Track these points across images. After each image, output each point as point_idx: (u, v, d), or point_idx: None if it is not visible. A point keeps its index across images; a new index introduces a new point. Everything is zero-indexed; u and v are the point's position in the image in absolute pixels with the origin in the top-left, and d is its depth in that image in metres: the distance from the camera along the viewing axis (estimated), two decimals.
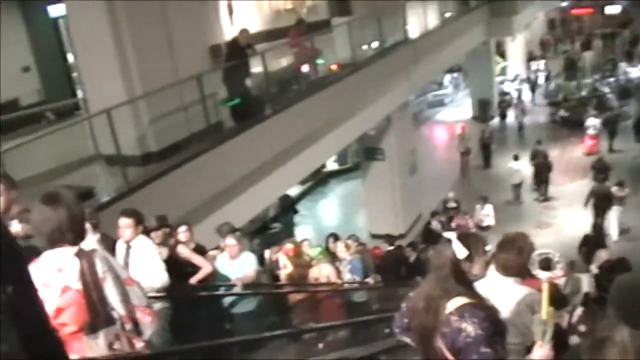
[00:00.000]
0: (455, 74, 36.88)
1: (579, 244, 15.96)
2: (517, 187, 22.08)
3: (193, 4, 11.21)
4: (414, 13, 20.30)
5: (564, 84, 33.14)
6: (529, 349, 3.68)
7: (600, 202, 18.39)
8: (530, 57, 37.75)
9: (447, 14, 24.13)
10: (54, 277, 3.30)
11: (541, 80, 34.99)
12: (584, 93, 31.14)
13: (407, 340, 3.63)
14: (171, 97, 10.20)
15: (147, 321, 3.60)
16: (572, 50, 40.09)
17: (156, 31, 10.16)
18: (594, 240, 15.80)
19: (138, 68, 9.85)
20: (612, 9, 43.28)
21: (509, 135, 28.62)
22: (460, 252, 3.32)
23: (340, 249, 10.95)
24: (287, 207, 21.21)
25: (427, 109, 35.34)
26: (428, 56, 19.85)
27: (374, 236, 15.29)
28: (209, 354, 5.77)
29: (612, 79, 32.60)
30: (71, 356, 3.21)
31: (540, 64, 36.70)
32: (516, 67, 36.26)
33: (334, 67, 16.22)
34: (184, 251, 7.43)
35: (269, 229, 20.96)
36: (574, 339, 4.84)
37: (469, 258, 3.36)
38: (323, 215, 24.09)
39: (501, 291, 4.15)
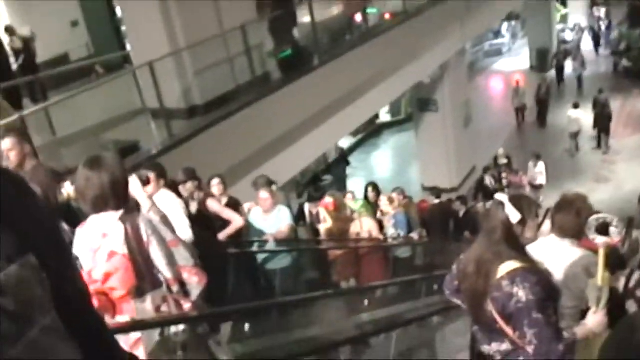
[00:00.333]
0: (513, 22, 35.74)
1: (639, 198, 15.45)
2: (575, 136, 21.42)
3: None
4: None
5: (627, 33, 31.72)
6: (584, 313, 3.59)
7: None
8: (593, 4, 36.12)
9: None
10: (100, 242, 3.37)
11: (603, 28, 33.44)
12: None
13: (458, 302, 3.61)
14: (216, 49, 10.03)
15: (194, 281, 3.62)
16: None
17: None
18: None
19: (181, 20, 9.67)
20: None
21: (566, 89, 27.05)
22: (514, 215, 3.21)
23: (383, 202, 10.48)
24: (339, 159, 21.00)
25: (483, 58, 34.46)
26: (483, 2, 19.14)
27: (426, 189, 14.96)
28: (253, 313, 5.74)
29: None
30: (121, 317, 3.38)
31: (602, 11, 35.15)
32: (578, 14, 34.81)
33: (387, 16, 15.80)
34: (214, 205, 7.09)
35: (321, 181, 20.87)
36: (630, 304, 4.55)
37: (522, 222, 3.24)
38: (375, 167, 23.77)
39: (557, 253, 4.03)
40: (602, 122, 21.12)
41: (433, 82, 18.60)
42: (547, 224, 4.17)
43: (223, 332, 5.43)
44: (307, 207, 10.94)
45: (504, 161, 18.22)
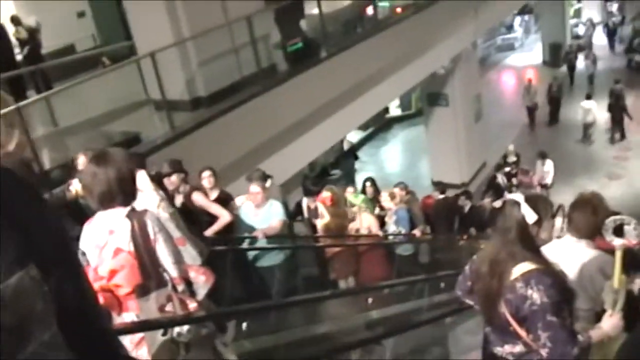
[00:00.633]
0: (526, 17, 35.49)
1: None
2: (588, 127, 21.38)
3: None
4: None
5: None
6: (598, 315, 3.62)
7: None
8: None
9: None
10: (107, 238, 3.37)
11: (616, 23, 33.05)
12: None
13: (471, 303, 3.59)
14: (221, 39, 9.87)
15: (201, 280, 3.62)
16: None
17: None
18: None
19: (185, 9, 9.48)
20: None
21: (578, 86, 26.40)
22: (530, 216, 3.16)
23: (384, 198, 10.11)
24: (348, 153, 20.82)
25: (495, 53, 34.25)
26: None
27: (436, 184, 14.77)
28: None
29: None
30: (127, 314, 3.40)
31: (615, 6, 34.77)
32: (591, 9, 34.45)
33: (398, 9, 15.57)
34: (200, 199, 6.83)
35: (329, 175, 20.74)
36: None
37: (538, 223, 3.19)
38: (385, 161, 23.57)
39: (572, 254, 4.03)
40: (617, 112, 21.04)
41: (443, 76, 18.34)
42: (558, 221, 3.92)
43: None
44: (304, 201, 10.40)
45: (513, 159, 17.95)
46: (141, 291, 3.37)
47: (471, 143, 19.42)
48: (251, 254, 7.60)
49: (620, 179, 17.69)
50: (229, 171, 8.86)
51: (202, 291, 3.62)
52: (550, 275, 3.09)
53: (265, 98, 10.12)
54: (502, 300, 3.12)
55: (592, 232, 4.06)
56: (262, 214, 7.46)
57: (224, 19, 9.84)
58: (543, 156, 17.53)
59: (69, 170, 6.42)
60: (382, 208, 10.35)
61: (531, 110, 23.51)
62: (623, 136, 21.27)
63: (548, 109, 23.57)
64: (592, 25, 32.06)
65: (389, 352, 6.01)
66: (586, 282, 3.98)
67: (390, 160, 23.71)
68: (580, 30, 32.51)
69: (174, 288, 3.48)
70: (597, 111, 21.41)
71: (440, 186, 13.49)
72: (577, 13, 34.83)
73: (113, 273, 3.32)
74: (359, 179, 19.36)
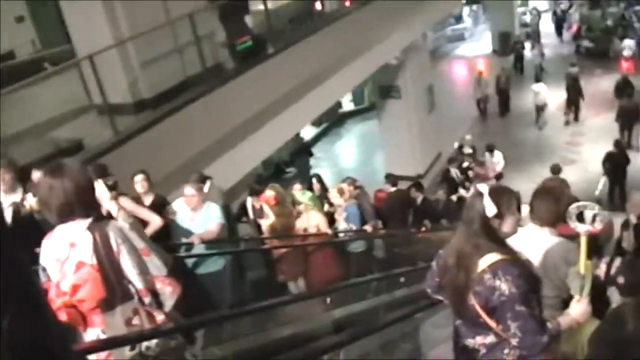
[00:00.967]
0: (474, 7, 35.80)
1: (602, 159, 15.88)
2: (539, 109, 21.93)
3: None
4: None
5: (587, 14, 31.78)
6: (565, 302, 3.73)
7: (628, 118, 18.58)
8: None
9: None
10: (68, 252, 3.24)
11: (564, 10, 33.40)
12: (609, 22, 29.90)
13: (441, 298, 3.58)
14: (163, 39, 9.58)
15: (167, 291, 3.46)
16: None
17: None
18: (617, 157, 15.72)
19: (124, 8, 9.13)
20: None
21: (527, 76, 26.56)
22: (490, 209, 3.16)
23: (333, 194, 9.71)
24: (302, 150, 20.62)
25: (445, 43, 34.45)
26: None
27: (388, 176, 14.59)
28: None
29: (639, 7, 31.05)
30: (91, 330, 3.27)
31: None
32: None
33: (347, 3, 15.44)
34: (127, 204, 6.37)
35: (284, 174, 20.57)
36: (612, 291, 4.71)
37: (499, 216, 3.18)
38: (340, 157, 23.49)
39: (536, 242, 4.12)
40: (573, 94, 21.56)
41: (395, 69, 18.34)
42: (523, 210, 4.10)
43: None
44: (249, 201, 10.04)
45: (469, 150, 17.93)
46: (106, 305, 3.25)
47: (425, 134, 19.42)
48: (190, 261, 7.23)
49: (574, 164, 17.79)
50: (177, 175, 8.60)
51: (169, 302, 3.46)
52: (517, 265, 3.11)
53: (212, 97, 9.84)
54: (471, 293, 3.12)
55: (554, 220, 4.18)
56: (199, 218, 7.17)
57: (165, 18, 9.56)
58: (491, 149, 17.66)
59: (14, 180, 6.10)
60: (331, 205, 10.02)
61: (482, 103, 23.57)
62: (577, 119, 21.72)
63: (498, 101, 23.68)
64: (538, 13, 32.38)
65: (357, 349, 5.84)
66: (551, 270, 4.05)
67: (345, 155, 23.63)
68: (528, 18, 32.83)
69: (141, 301, 3.35)
70: (548, 94, 21.87)
71: (391, 179, 13.19)
72: (525, 2, 35.16)
73: (76, 288, 3.18)
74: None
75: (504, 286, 3.01)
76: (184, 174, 8.62)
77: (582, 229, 3.47)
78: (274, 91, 11.13)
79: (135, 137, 8.61)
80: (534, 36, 30.29)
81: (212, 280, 7.18)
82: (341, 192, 9.67)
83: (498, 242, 3.18)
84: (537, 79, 22.74)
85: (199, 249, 7.08)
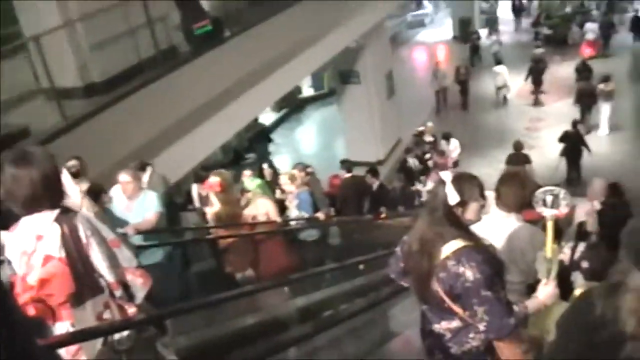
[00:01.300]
0: None
1: (558, 138, 16.26)
2: (500, 89, 22.50)
3: None
4: None
5: (546, 1, 32.01)
6: (531, 287, 3.84)
7: (587, 99, 19.01)
8: None
9: None
10: (35, 244, 3.11)
11: None
12: (568, 10, 30.16)
13: (405, 284, 3.62)
14: (114, 21, 9.23)
15: (138, 283, 3.40)
16: None
17: None
18: (573, 136, 16.01)
19: None
20: None
21: (485, 65, 26.63)
22: (452, 197, 3.19)
23: (284, 181, 9.39)
24: (260, 135, 20.38)
25: (406, 29, 34.40)
26: None
27: (343, 162, 14.42)
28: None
29: None
30: (61, 324, 3.15)
31: None
32: None
33: None
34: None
35: (244, 160, 20.35)
36: (576, 275, 4.88)
37: (461, 204, 3.21)
38: (300, 142, 23.35)
39: (502, 228, 4.20)
40: (536, 75, 21.98)
41: (355, 53, 18.17)
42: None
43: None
44: (194, 188, 9.54)
45: (430, 139, 17.85)
46: (76, 300, 3.14)
47: (385, 120, 19.33)
48: None
49: (533, 150, 17.81)
50: (129, 162, 8.29)
51: (140, 294, 3.39)
52: (481, 251, 3.14)
53: (165, 81, 9.52)
54: (435, 279, 3.14)
55: (521, 205, 4.25)
56: (135, 207, 6.84)
57: None
58: (447, 137, 17.68)
59: None
60: (283, 191, 9.74)
61: (440, 94, 23.18)
62: (539, 102, 22.23)
63: (458, 92, 23.41)
64: (495, 0, 32.53)
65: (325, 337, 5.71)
66: (517, 256, 4.14)
67: (305, 141, 23.49)
68: (485, 5, 32.94)
69: (111, 294, 3.27)
70: (508, 77, 22.28)
71: (346, 164, 12.98)
72: None
73: (44, 282, 3.06)
74: (275, 162, 19.04)
75: (468, 272, 3.04)
76: (137, 161, 8.35)
77: (548, 213, 3.51)
78: (231, 75, 10.84)
79: (84, 122, 8.28)
80: (491, 23, 30.40)
81: (150, 274, 6.88)
82: (292, 178, 9.40)
83: (461, 228, 3.21)
84: (499, 62, 23.26)
85: (136, 239, 6.70)
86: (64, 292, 3.11)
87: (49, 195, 3.12)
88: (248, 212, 8.35)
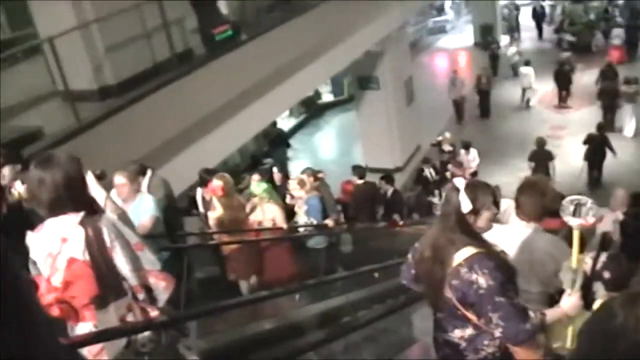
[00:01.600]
0: None
1: (582, 141, 16.28)
2: (525, 91, 22.57)
3: None
4: None
5: (570, 8, 31.69)
6: (551, 297, 3.90)
7: (609, 99, 19.10)
8: None
9: None
10: (60, 247, 3.17)
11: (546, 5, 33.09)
12: (592, 16, 29.83)
13: (418, 290, 3.64)
14: (130, 23, 9.20)
15: (161, 286, 3.43)
16: None
17: None
18: (598, 138, 15.95)
19: None
20: None
21: (504, 74, 26.16)
22: (465, 204, 3.19)
23: (293, 186, 9.19)
24: (278, 141, 20.30)
25: (427, 35, 34.24)
26: None
27: (355, 168, 14.24)
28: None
29: (621, 1, 30.90)
30: (84, 324, 3.22)
31: None
32: None
33: None
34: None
35: (261, 165, 20.25)
36: (597, 286, 4.65)
37: (474, 211, 3.21)
38: (318, 148, 23.29)
39: (523, 239, 4.16)
40: (562, 77, 21.97)
41: (374, 59, 18.08)
42: (505, 203, 4.23)
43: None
44: (199, 192, 9.20)
45: (448, 148, 17.64)
46: (99, 303, 3.21)
47: (404, 127, 19.19)
48: None
49: (555, 158, 17.65)
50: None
51: (163, 297, 3.43)
52: (492, 257, 3.15)
53: (181, 84, 9.47)
54: (447, 286, 3.15)
55: (541, 214, 4.21)
56: (130, 211, 6.41)
57: (132, 1, 9.17)
58: (467, 146, 17.44)
59: None
60: (292, 197, 9.55)
61: (458, 104, 22.58)
62: (565, 103, 22.22)
63: (478, 101, 23.04)
64: (515, 7, 32.21)
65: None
66: (537, 266, 4.10)
67: (323, 147, 23.42)
68: (506, 12, 32.66)
69: (134, 297, 3.32)
70: (534, 78, 22.30)
71: (358, 170, 12.81)
72: None
73: (68, 284, 3.15)
74: (293, 167, 18.94)
75: (481, 279, 3.05)
76: (150, 164, 8.27)
77: (574, 222, 3.46)
78: (247, 79, 10.78)
79: (98, 124, 8.25)
80: (512, 31, 30.15)
81: None
82: (301, 183, 9.21)
83: (473, 236, 3.22)
84: (527, 62, 23.14)
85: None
86: (88, 294, 3.18)
87: (73, 198, 3.19)
88: (254, 218, 8.20)
